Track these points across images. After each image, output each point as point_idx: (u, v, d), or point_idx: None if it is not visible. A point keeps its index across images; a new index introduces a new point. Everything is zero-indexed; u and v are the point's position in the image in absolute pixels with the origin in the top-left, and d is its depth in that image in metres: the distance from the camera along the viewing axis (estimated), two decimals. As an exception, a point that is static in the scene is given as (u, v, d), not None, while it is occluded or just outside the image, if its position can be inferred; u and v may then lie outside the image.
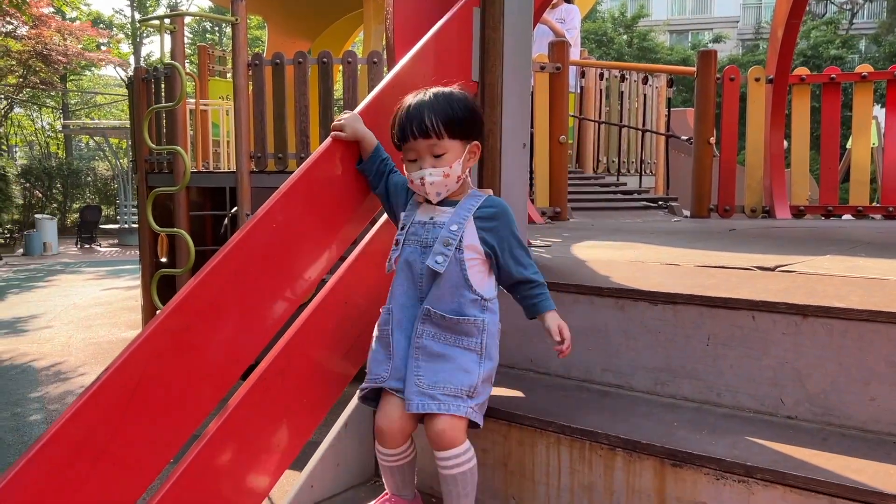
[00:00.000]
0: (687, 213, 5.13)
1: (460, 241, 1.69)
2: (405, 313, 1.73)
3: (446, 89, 1.74)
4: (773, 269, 2.16)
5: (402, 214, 1.81)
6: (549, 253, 2.75)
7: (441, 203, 1.75)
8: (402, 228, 1.78)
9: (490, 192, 1.82)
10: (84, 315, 9.65)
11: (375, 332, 1.78)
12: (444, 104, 1.69)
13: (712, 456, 1.51)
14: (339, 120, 1.84)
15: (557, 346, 1.70)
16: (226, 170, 7.70)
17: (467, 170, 1.76)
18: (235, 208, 6.44)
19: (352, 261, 1.98)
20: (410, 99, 1.73)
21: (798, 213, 4.78)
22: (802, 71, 4.87)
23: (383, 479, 1.83)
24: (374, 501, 1.83)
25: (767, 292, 1.82)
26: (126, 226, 20.26)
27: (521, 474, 1.79)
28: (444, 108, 1.68)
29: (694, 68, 4.90)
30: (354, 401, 2.01)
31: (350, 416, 2.03)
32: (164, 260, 6.96)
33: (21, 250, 17.89)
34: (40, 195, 21.49)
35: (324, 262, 1.82)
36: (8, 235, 18.71)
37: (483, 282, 1.72)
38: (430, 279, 1.70)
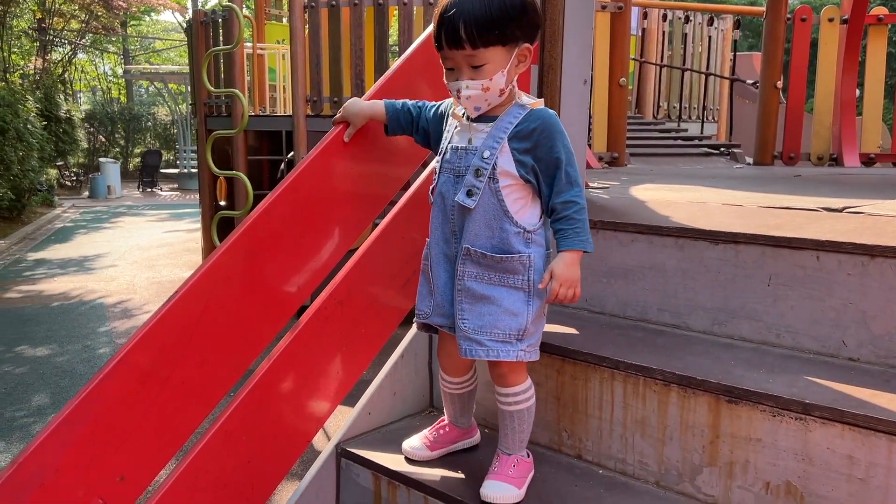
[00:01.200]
0: (749, 160, 4.99)
1: (494, 168, 1.53)
2: (442, 248, 1.64)
3: None
4: (840, 211, 2.10)
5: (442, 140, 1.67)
6: (607, 194, 2.72)
7: (480, 119, 1.57)
8: (440, 154, 1.65)
9: (540, 102, 1.60)
10: (147, 256, 9.98)
11: (422, 266, 1.72)
12: (482, 5, 1.45)
13: (769, 393, 1.50)
14: (338, 114, 1.78)
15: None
16: (282, 114, 7.77)
17: (513, 78, 1.55)
18: (292, 153, 6.52)
19: (406, 199, 2.00)
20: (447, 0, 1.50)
21: (868, 160, 4.60)
22: (881, 10, 4.62)
23: (443, 405, 1.85)
24: (431, 427, 1.87)
25: (834, 232, 1.78)
26: (185, 171, 20.71)
27: (573, 408, 1.81)
28: (482, 11, 1.45)
29: (763, 8, 4.70)
30: (412, 332, 2.06)
31: (406, 347, 2.07)
32: (222, 203, 7.12)
33: (87, 193, 18.50)
34: (103, 139, 22.09)
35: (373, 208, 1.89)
36: (74, 178, 19.33)
37: (526, 211, 1.56)
38: (463, 214, 1.57)
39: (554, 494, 1.66)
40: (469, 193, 1.54)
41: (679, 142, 5.77)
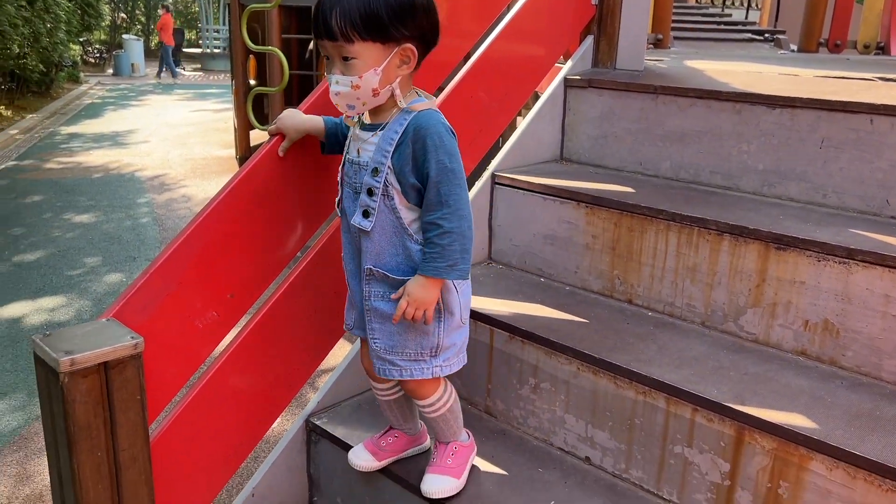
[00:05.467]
0: (794, 47, 4.94)
1: (385, 185, 1.42)
2: (350, 264, 1.57)
3: None
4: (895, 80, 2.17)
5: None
6: (664, 64, 2.79)
7: (367, 127, 1.46)
8: (341, 166, 1.54)
9: (428, 102, 1.45)
10: (177, 133, 10.10)
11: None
12: None
13: (816, 240, 1.65)
14: (273, 125, 1.63)
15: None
16: (315, -11, 7.61)
17: (394, 79, 1.39)
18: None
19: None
20: None
21: (915, 50, 4.56)
22: None
23: (384, 412, 1.77)
24: (376, 436, 1.78)
25: (889, 98, 1.87)
26: (208, 50, 20.44)
27: (627, 257, 1.97)
28: (359, 3, 1.32)
29: None
30: (478, 183, 2.19)
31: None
32: (253, 82, 7.14)
33: (110, 70, 18.41)
34: (125, 16, 21.70)
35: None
36: (98, 55, 19.17)
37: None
38: (362, 233, 1.48)
39: (610, 330, 1.84)
40: (365, 214, 1.45)
41: (722, 27, 5.69)
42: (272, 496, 1.91)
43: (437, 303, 1.47)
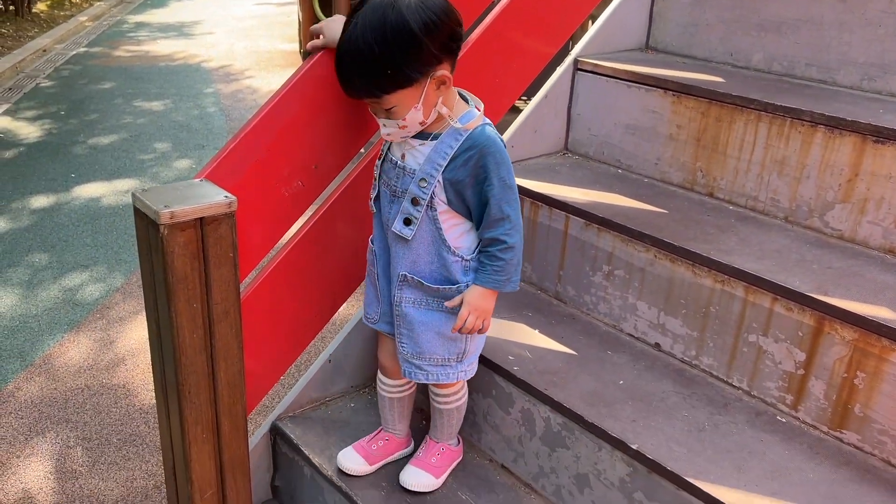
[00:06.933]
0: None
1: (432, 197, 1.41)
2: (384, 260, 1.57)
3: (379, 11, 1.27)
4: None
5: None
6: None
7: (419, 135, 1.42)
8: (380, 159, 1.53)
9: (478, 118, 1.41)
10: (242, 26, 10.04)
11: (367, 269, 1.65)
12: (369, 55, 1.28)
13: (920, 134, 1.58)
14: (317, 40, 1.53)
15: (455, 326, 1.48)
16: None
17: (436, 102, 1.37)
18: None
19: None
20: (342, 36, 1.33)
21: None
22: None
23: (381, 411, 1.76)
24: (364, 439, 1.76)
25: None
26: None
27: (712, 149, 1.92)
28: (372, 63, 1.28)
29: None
30: (558, 72, 2.14)
31: (549, 89, 2.17)
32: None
33: (173, -39, 18.22)
34: None
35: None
36: (160, -55, 18.92)
37: (463, 238, 1.47)
38: (401, 239, 1.48)
39: (690, 221, 1.82)
40: (407, 222, 1.45)
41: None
42: (346, 362, 1.98)
43: None
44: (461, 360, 1.55)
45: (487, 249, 1.44)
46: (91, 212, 4.18)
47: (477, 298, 1.45)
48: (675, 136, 1.99)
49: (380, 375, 1.72)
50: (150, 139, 5.42)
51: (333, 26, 1.47)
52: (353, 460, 1.72)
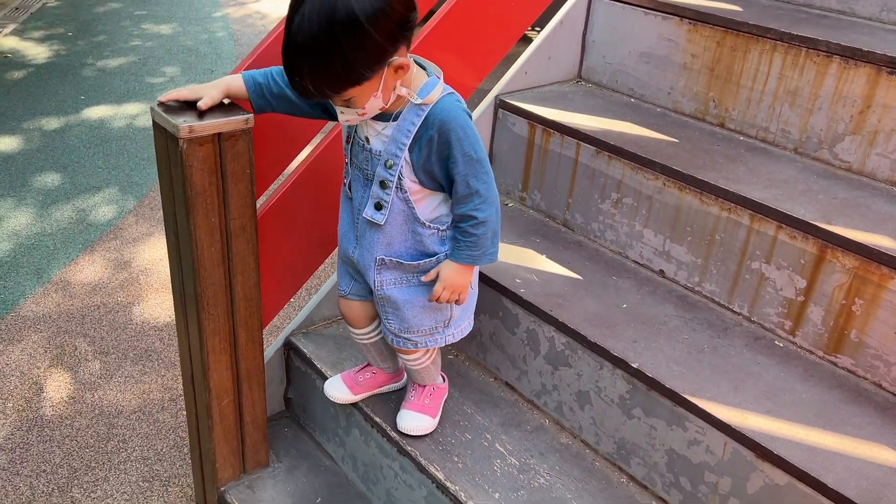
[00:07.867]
0: None
1: (400, 178, 1.38)
2: (351, 240, 1.52)
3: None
4: None
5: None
6: None
7: (379, 116, 1.36)
8: (347, 142, 1.46)
9: (438, 90, 1.33)
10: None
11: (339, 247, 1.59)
12: (318, 55, 1.18)
13: (935, 66, 1.58)
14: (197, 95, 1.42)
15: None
16: None
17: (394, 85, 1.28)
18: None
19: None
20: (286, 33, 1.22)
21: None
22: None
23: (362, 352, 1.77)
24: (354, 369, 1.78)
25: None
26: None
27: (726, 79, 1.92)
28: (322, 63, 1.20)
29: None
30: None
31: (566, 14, 2.15)
32: None
33: None
34: None
35: None
36: None
37: (436, 210, 1.44)
38: (372, 223, 1.44)
39: (700, 150, 1.84)
40: (378, 207, 1.41)
41: None
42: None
43: None
44: (448, 325, 1.55)
45: (459, 225, 1.41)
46: (102, 134, 4.19)
47: (452, 274, 1.43)
48: (690, 66, 1.98)
49: (347, 325, 1.69)
50: (158, 63, 5.38)
51: (212, 91, 1.41)
52: (338, 389, 1.75)
